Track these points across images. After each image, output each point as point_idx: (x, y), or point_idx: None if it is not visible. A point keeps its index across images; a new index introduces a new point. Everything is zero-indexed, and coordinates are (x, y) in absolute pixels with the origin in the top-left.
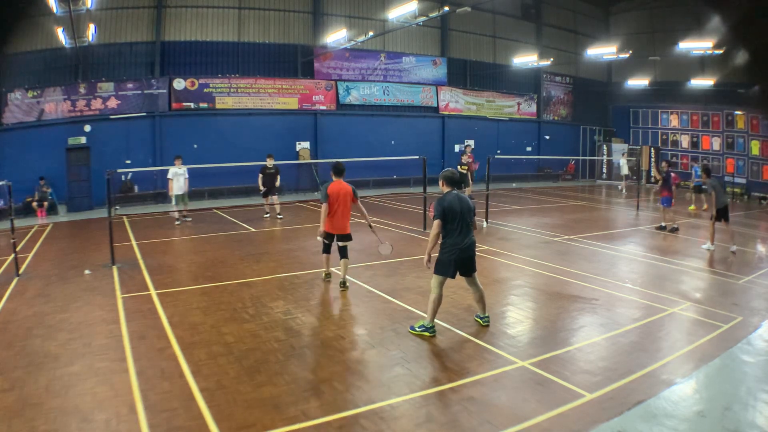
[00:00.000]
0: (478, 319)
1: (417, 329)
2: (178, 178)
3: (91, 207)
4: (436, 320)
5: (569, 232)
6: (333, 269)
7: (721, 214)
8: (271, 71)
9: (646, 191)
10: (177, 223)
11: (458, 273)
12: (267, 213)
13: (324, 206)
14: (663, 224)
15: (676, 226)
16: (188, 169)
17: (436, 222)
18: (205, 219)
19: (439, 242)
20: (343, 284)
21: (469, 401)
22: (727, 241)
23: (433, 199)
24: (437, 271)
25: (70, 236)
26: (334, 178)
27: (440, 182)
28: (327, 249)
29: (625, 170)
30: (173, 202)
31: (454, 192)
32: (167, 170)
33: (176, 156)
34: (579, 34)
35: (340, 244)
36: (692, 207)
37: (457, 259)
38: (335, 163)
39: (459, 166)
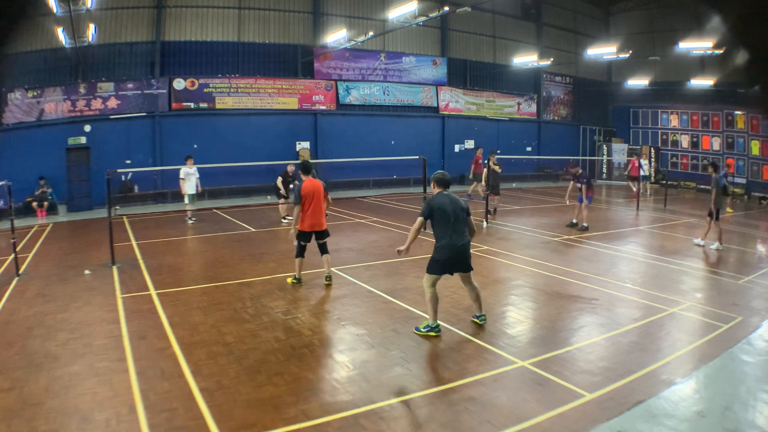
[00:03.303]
0: (475, 319)
1: (423, 330)
2: (189, 177)
3: (91, 207)
4: (438, 322)
5: (569, 231)
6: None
7: (715, 213)
8: (271, 71)
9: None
10: (190, 221)
11: (454, 271)
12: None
13: (297, 208)
14: (574, 221)
15: (586, 225)
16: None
17: (420, 219)
18: (205, 219)
19: (435, 244)
20: (329, 278)
21: (469, 401)
22: (713, 238)
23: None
24: (429, 270)
25: (70, 236)
26: (304, 177)
27: (431, 184)
28: (302, 252)
29: (646, 171)
30: (186, 200)
31: (445, 193)
32: (167, 170)
33: (187, 156)
34: (579, 34)
35: (320, 241)
36: (729, 210)
37: (451, 259)
38: (303, 161)
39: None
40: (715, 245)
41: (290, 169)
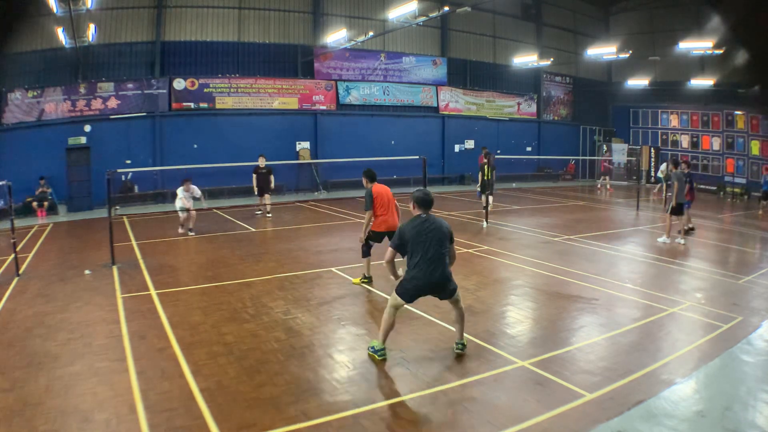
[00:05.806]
0: (457, 347)
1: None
2: (186, 197)
3: (91, 207)
4: (439, 322)
5: (569, 232)
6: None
7: (676, 210)
8: (271, 71)
9: (646, 191)
10: (180, 230)
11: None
12: (259, 211)
13: (368, 213)
14: (688, 226)
15: (692, 226)
16: (189, 170)
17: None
18: (205, 219)
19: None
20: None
21: (469, 401)
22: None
23: (434, 198)
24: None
25: (70, 236)
26: (369, 185)
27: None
28: (369, 251)
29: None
30: (179, 211)
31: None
32: (167, 170)
33: (184, 179)
34: (579, 34)
35: None
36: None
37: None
38: (366, 169)
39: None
40: (663, 239)
41: (261, 162)
